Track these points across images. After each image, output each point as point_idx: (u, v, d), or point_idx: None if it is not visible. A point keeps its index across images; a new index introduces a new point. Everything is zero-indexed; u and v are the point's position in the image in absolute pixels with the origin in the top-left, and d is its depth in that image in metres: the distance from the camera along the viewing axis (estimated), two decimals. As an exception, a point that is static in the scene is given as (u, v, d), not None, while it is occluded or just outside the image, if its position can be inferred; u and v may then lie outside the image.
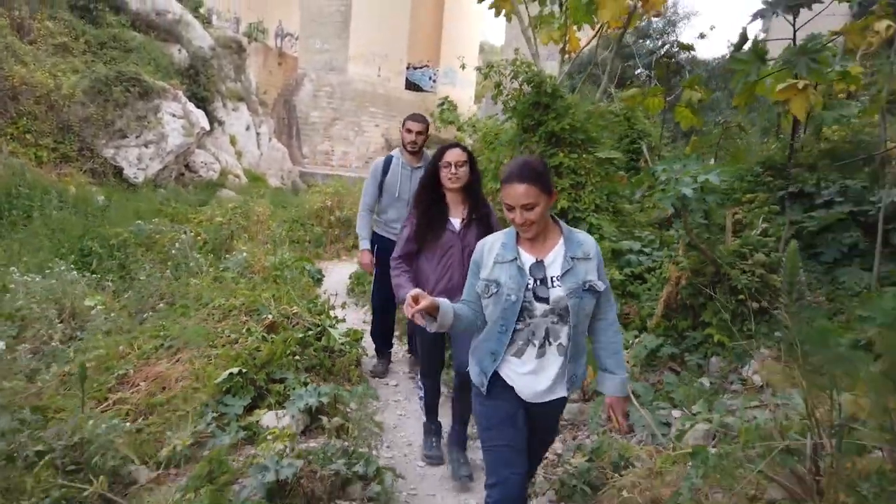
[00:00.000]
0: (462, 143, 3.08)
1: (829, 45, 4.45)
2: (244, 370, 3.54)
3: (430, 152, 3.92)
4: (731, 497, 2.25)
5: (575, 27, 5.63)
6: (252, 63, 20.24)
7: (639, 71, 13.06)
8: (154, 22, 16.37)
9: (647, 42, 14.33)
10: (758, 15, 3.91)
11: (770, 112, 6.73)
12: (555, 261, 2.12)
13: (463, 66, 7.26)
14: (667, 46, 12.30)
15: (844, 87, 5.18)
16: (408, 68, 26.23)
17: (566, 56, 5.78)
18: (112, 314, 4.98)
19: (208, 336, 4.00)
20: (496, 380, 2.22)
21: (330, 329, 4.17)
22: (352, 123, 22.58)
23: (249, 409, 3.49)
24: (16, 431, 2.81)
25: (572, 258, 2.11)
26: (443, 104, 16.15)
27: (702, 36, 18.73)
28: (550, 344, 2.14)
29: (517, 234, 2.17)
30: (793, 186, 4.76)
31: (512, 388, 2.20)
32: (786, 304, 2.15)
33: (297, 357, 3.78)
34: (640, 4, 4.76)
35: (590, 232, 4.70)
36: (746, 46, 4.64)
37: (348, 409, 3.60)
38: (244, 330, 4.07)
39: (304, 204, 10.48)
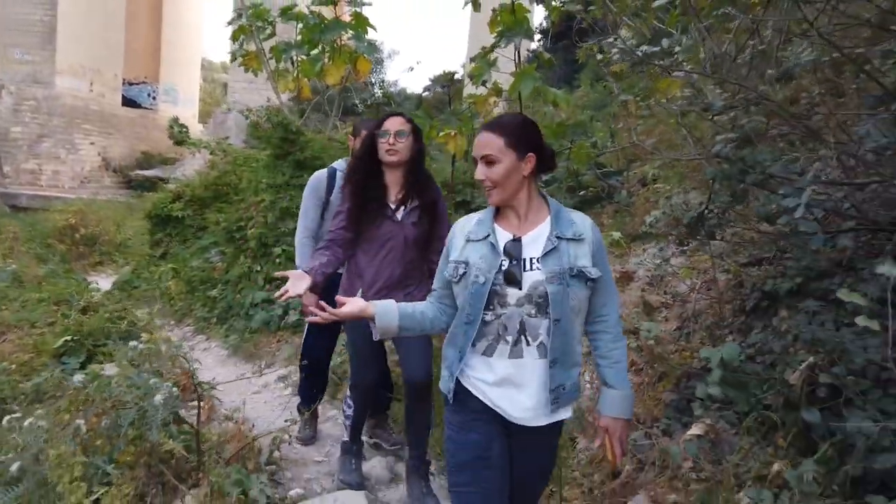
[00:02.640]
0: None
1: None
2: (75, 337, 4.81)
3: None
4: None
5: (305, 79, 7.66)
6: (-69, 70, 18.35)
7: (357, 102, 15.69)
8: None
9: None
10: (426, 89, 6.38)
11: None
12: (536, 240, 1.85)
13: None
14: (378, 83, 15.06)
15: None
16: (124, 84, 25.65)
17: (300, 99, 7.79)
18: None
19: (27, 321, 5.09)
20: (465, 395, 1.89)
21: (132, 311, 5.54)
22: (63, 141, 21.54)
23: (83, 366, 4.77)
24: None
25: (558, 237, 1.82)
26: (173, 126, 16.90)
27: (410, 69, 22.48)
28: (529, 343, 1.81)
29: (496, 210, 1.93)
30: (458, 197, 7.40)
31: (485, 405, 1.87)
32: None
33: (113, 327, 5.12)
34: (352, 72, 6.97)
35: (327, 231, 6.70)
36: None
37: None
38: (59, 315, 5.24)
39: (38, 224, 10.78)
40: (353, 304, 1.87)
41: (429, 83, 6.21)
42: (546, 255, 1.80)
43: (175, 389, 2.49)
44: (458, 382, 1.88)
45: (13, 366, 4.23)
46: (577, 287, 1.79)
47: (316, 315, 1.87)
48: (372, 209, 2.72)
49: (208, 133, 22.38)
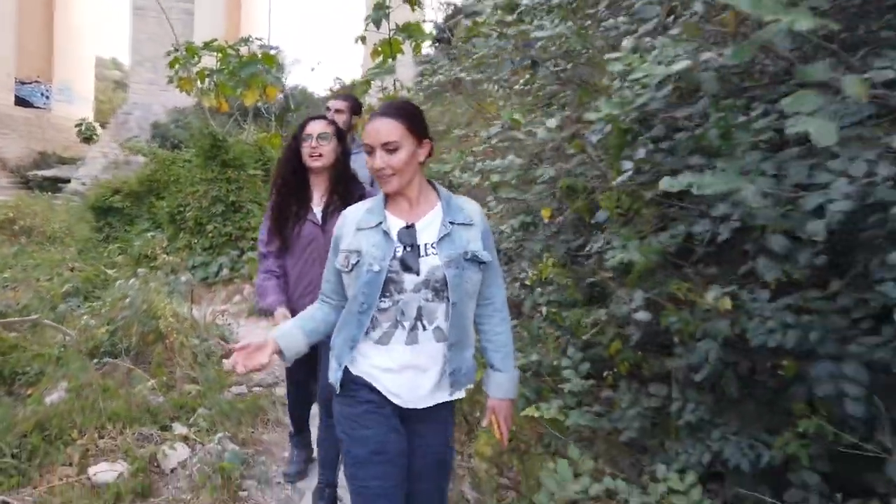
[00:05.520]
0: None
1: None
2: (73, 285, 7.25)
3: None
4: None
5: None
6: None
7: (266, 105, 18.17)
8: None
9: (267, 84, 19.57)
10: (327, 99, 9.12)
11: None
12: (430, 225, 1.88)
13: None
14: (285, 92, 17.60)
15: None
16: (16, 83, 26.67)
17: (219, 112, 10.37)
18: None
19: (33, 277, 7.45)
20: (356, 386, 1.90)
21: (107, 271, 7.99)
22: (-42, 141, 22.60)
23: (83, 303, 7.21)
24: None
25: (451, 223, 1.88)
26: (82, 125, 18.59)
27: (312, 70, 25.40)
28: (425, 328, 1.85)
29: (385, 198, 1.93)
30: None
31: (377, 395, 1.88)
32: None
33: (97, 279, 7.56)
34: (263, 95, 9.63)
35: (247, 215, 9.30)
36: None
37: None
38: (55, 273, 7.63)
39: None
40: (260, 354, 1.83)
41: (331, 90, 8.73)
42: (441, 240, 1.84)
43: (192, 277, 5.14)
44: (347, 372, 1.89)
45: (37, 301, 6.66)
46: (472, 270, 1.84)
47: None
48: (294, 213, 2.82)
49: (110, 133, 23.99)
